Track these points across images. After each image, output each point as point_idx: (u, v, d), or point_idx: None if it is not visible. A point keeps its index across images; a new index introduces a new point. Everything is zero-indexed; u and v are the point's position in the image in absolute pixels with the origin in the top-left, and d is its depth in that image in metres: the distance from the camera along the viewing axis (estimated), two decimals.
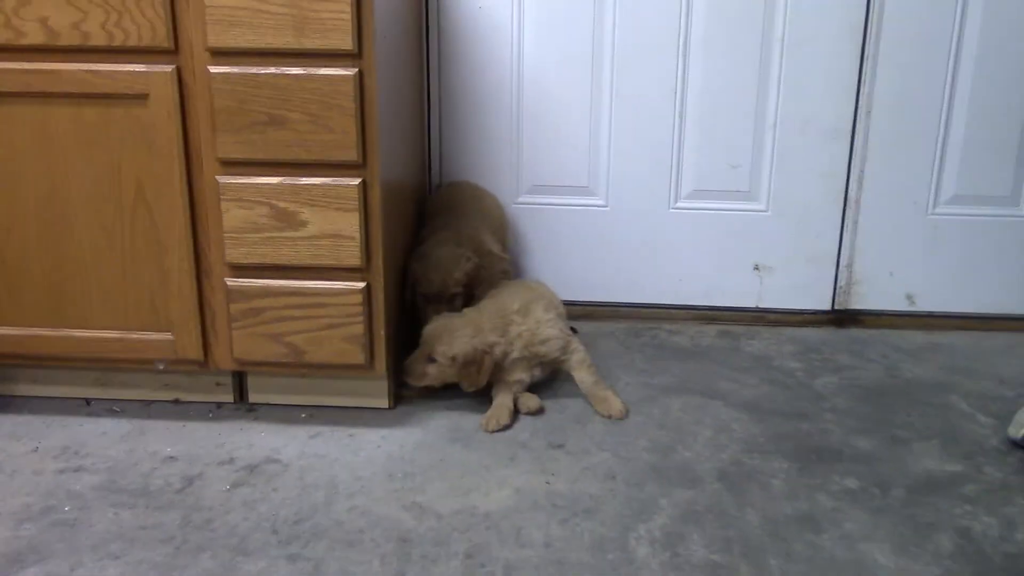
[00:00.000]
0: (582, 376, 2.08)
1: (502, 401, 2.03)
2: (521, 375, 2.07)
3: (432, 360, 2.01)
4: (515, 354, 2.04)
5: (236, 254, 1.90)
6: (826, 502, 1.77)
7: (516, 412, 2.04)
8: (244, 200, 1.87)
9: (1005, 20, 2.31)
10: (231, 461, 1.87)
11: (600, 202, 2.52)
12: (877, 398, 2.14)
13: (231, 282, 1.92)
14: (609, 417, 2.02)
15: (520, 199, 2.52)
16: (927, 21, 2.32)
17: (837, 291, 2.52)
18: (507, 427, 2.00)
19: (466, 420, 2.03)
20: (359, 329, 1.93)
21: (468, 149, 2.50)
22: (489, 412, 2.02)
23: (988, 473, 1.86)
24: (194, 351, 1.97)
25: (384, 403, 2.06)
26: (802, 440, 1.97)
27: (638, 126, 2.44)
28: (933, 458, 1.91)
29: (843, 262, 2.51)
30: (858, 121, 2.41)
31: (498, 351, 2.02)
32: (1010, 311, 2.49)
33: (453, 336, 1.99)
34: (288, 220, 1.87)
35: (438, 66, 2.44)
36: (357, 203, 1.86)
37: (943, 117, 2.39)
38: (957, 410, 2.10)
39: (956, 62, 2.35)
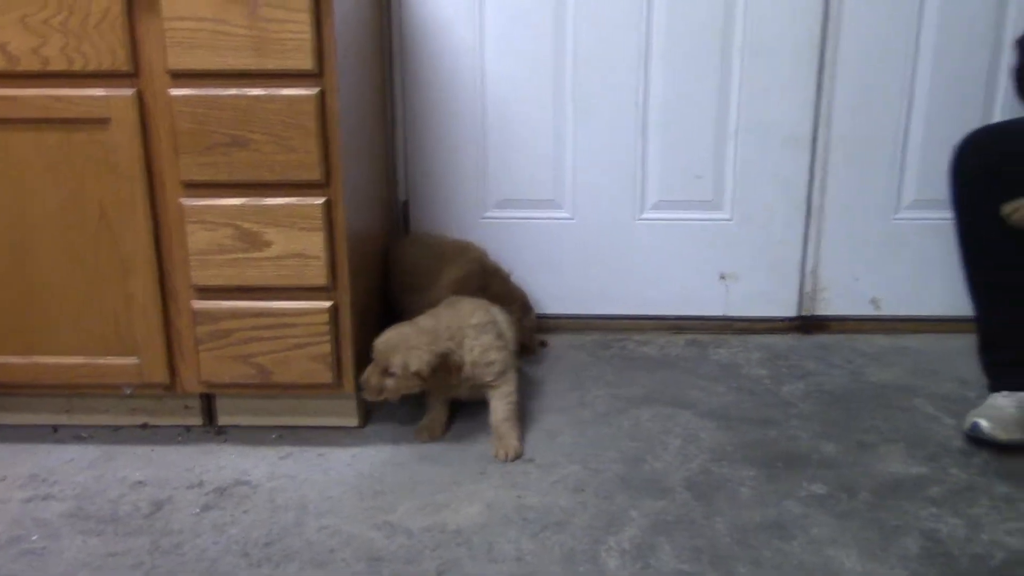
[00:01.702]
0: (497, 406, 2.00)
1: (437, 415, 2.04)
2: (458, 392, 2.04)
3: (389, 374, 1.94)
4: (466, 369, 1.99)
5: (201, 276, 1.90)
6: (794, 508, 1.78)
7: (450, 425, 2.06)
8: (208, 222, 1.87)
9: (960, 26, 2.35)
10: (200, 484, 1.87)
11: (566, 215, 2.53)
12: (843, 403, 2.16)
13: (197, 304, 1.92)
14: (496, 456, 1.95)
15: (487, 214, 2.53)
16: (884, 29, 2.35)
17: (802, 298, 2.55)
18: (438, 439, 2.02)
19: None
20: (326, 348, 1.93)
21: (433, 165, 2.50)
22: (423, 423, 2.03)
23: (953, 474, 1.89)
24: (161, 375, 1.96)
25: (354, 422, 2.06)
26: (770, 447, 1.99)
27: (602, 139, 2.46)
28: (899, 461, 1.93)
29: (808, 269, 2.53)
30: (819, 129, 2.43)
31: (455, 358, 1.98)
32: (967, 313, 2.52)
33: (411, 348, 1.93)
34: (253, 241, 1.87)
35: (402, 83, 2.45)
36: (321, 222, 1.86)
37: (902, 123, 2.43)
38: (922, 413, 2.12)
39: (913, 69, 2.38)
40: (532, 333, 2.44)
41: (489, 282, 2.36)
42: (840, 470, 1.90)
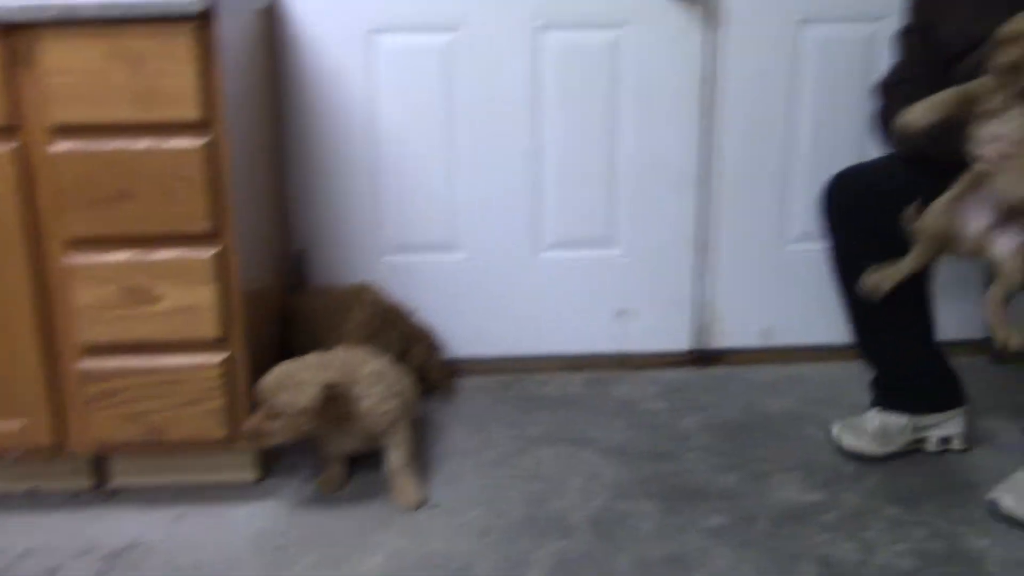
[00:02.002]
0: (393, 455, 1.97)
1: (336, 466, 2.01)
2: (352, 444, 2.00)
3: (276, 415, 1.85)
4: (360, 417, 1.94)
5: (89, 334, 1.85)
6: (694, 541, 1.81)
7: (351, 476, 2.03)
8: (95, 278, 1.83)
9: (838, 64, 2.44)
10: (92, 550, 1.80)
11: (464, 257, 2.54)
12: (739, 434, 2.21)
13: (85, 363, 1.87)
14: (399, 504, 1.94)
15: (384, 258, 2.53)
16: (764, 70, 2.44)
17: (697, 331, 2.60)
18: (339, 491, 1.99)
19: None
20: (221, 403, 1.89)
21: (329, 212, 2.49)
22: (322, 477, 2.00)
23: (845, 500, 1.94)
24: (48, 437, 1.90)
25: (252, 476, 2.02)
26: (669, 481, 2.02)
27: (496, 180, 2.48)
28: (793, 489, 1.98)
29: (701, 303, 2.59)
30: (706, 166, 2.50)
31: (343, 391, 1.90)
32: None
33: (297, 384, 1.85)
34: (142, 296, 1.84)
35: (294, 131, 2.44)
36: (213, 274, 1.84)
37: (785, 158, 2.51)
38: (814, 440, 2.18)
39: (794, 107, 2.47)
40: (440, 370, 2.44)
41: (392, 321, 2.36)
42: (738, 501, 1.94)
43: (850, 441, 2.10)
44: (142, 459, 1.99)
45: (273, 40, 2.36)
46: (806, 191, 2.50)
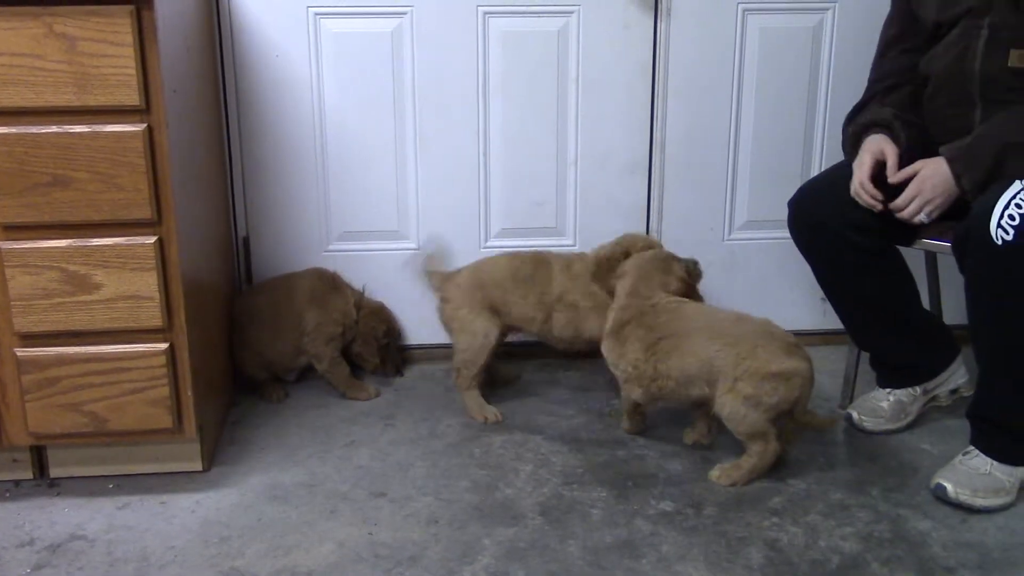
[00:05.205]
0: None
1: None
2: None
3: None
4: None
5: (25, 322, 1.80)
6: (643, 527, 1.81)
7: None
8: (31, 265, 1.78)
9: (779, 57, 2.46)
10: (31, 542, 1.76)
11: (412, 245, 2.52)
12: (687, 420, 2.21)
13: (21, 352, 1.82)
14: None
15: (330, 247, 2.50)
16: (710, 61, 2.45)
17: None
18: None
19: (285, 476, 1.98)
20: (164, 391, 1.86)
21: (273, 199, 2.46)
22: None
23: (792, 484, 1.96)
24: None
25: (197, 466, 1.99)
26: (619, 467, 2.02)
27: (444, 169, 2.47)
28: None
29: None
30: (654, 155, 2.51)
31: None
32: (803, 327, 2.62)
33: None
34: (81, 284, 1.80)
35: (237, 117, 2.40)
36: (154, 262, 1.80)
37: (731, 149, 2.52)
38: None
39: (739, 97, 2.48)
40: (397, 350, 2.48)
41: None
42: (686, 486, 1.95)
43: (871, 424, 2.15)
44: (83, 450, 1.95)
45: (215, 23, 2.32)
46: (751, 180, 2.54)
